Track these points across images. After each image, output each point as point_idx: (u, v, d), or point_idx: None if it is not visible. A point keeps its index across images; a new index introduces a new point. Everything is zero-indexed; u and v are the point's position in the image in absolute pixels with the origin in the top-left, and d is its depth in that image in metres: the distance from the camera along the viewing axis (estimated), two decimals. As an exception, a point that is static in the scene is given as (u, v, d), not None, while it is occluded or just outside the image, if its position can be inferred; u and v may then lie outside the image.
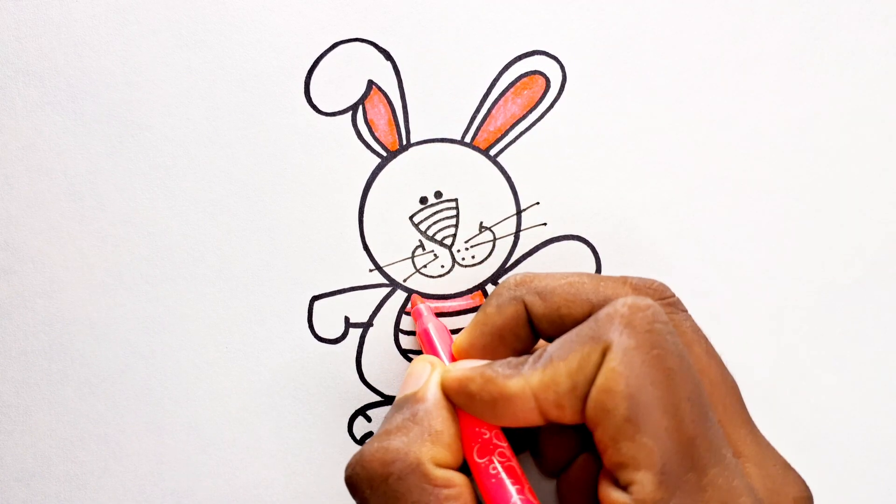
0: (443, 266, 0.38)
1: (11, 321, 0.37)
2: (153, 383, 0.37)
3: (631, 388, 0.27)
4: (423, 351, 0.35)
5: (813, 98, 0.38)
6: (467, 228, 0.38)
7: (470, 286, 0.38)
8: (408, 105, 0.37)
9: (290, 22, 0.37)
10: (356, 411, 0.38)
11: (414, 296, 0.37)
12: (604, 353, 0.27)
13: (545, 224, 0.38)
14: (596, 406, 0.27)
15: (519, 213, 0.38)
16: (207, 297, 0.37)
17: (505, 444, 0.31)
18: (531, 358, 0.29)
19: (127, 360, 0.37)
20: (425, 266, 0.38)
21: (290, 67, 0.37)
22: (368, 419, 0.38)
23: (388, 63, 0.37)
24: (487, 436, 0.30)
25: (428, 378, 0.32)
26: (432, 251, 0.38)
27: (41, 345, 0.37)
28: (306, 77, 0.37)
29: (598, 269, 0.38)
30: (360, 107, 0.37)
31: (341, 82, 0.37)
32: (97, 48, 0.37)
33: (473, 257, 0.38)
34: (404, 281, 0.38)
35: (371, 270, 0.38)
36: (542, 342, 0.34)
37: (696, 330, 0.32)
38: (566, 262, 0.38)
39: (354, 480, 0.30)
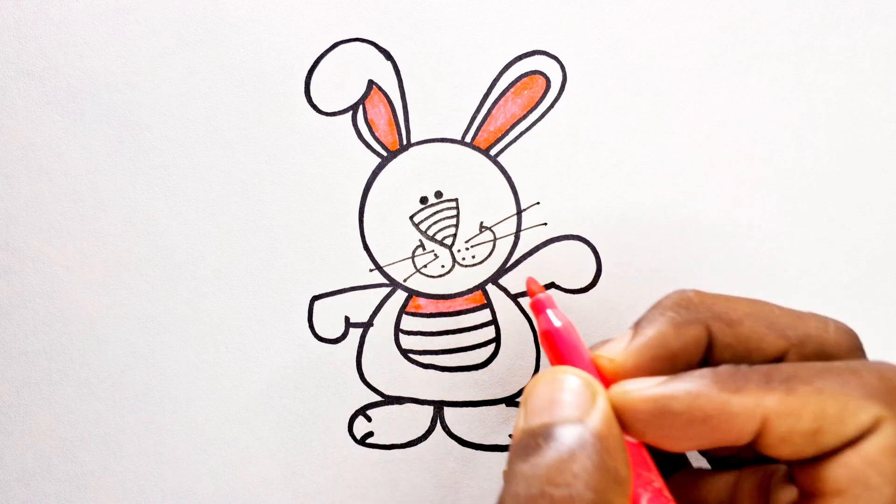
0: (443, 266, 0.38)
1: (11, 321, 0.37)
2: (153, 383, 0.37)
3: None
4: (552, 358, 0.28)
5: (813, 98, 0.38)
6: (467, 228, 0.38)
7: (470, 286, 0.38)
8: (408, 105, 0.37)
9: (290, 22, 0.37)
10: (356, 411, 0.38)
11: (530, 279, 0.31)
12: (877, 422, 0.24)
13: (545, 224, 0.38)
14: (854, 475, 0.24)
15: (519, 212, 0.38)
16: (207, 297, 0.37)
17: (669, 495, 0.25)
18: (753, 374, 0.25)
19: (127, 360, 0.37)
20: (425, 266, 0.38)
21: (290, 67, 0.37)
22: (368, 419, 0.38)
23: (389, 63, 0.37)
24: (658, 484, 0.25)
25: (596, 404, 0.25)
26: (432, 251, 0.38)
27: (41, 345, 0.37)
28: (306, 77, 0.37)
29: (599, 269, 0.38)
30: (361, 107, 0.37)
31: (341, 82, 0.37)
32: (97, 48, 0.37)
33: (474, 257, 0.38)
34: (404, 281, 0.38)
35: (371, 270, 0.38)
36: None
37: None
38: (566, 262, 0.38)
39: None
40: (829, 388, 0.24)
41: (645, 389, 0.25)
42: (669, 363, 0.27)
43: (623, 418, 0.25)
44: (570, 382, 0.25)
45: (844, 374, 0.25)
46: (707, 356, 0.27)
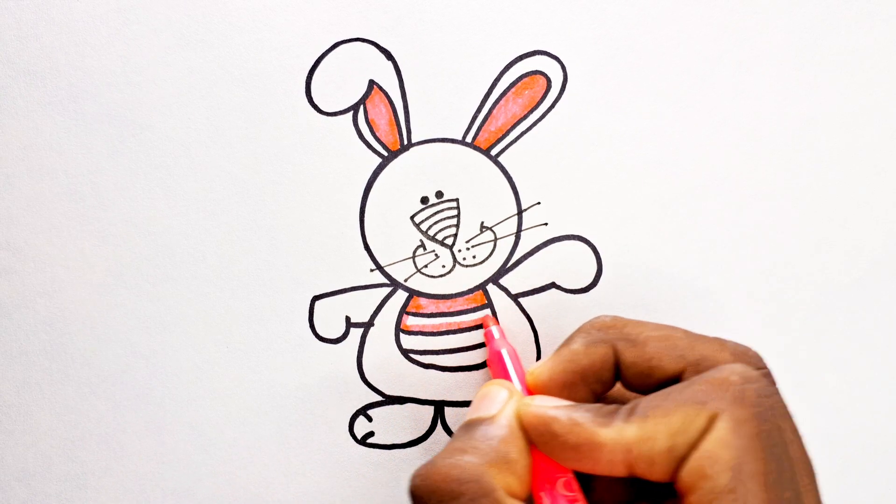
0: (444, 266, 0.38)
1: (12, 321, 0.37)
2: (154, 383, 0.37)
3: (738, 459, 0.27)
4: (493, 374, 0.35)
5: (813, 98, 0.38)
6: (468, 228, 0.38)
7: (471, 286, 0.38)
8: (409, 105, 0.37)
9: (291, 21, 0.37)
10: (357, 411, 0.38)
11: (486, 316, 0.37)
12: (710, 420, 0.27)
13: (546, 224, 0.38)
14: (695, 471, 0.27)
15: (520, 212, 0.38)
16: (208, 297, 0.37)
17: (578, 488, 0.31)
18: (623, 409, 0.29)
19: (127, 359, 0.37)
20: (426, 266, 0.38)
21: (291, 67, 0.37)
22: (369, 419, 0.38)
23: (389, 63, 0.37)
24: (565, 478, 0.30)
25: (504, 404, 0.31)
26: (433, 251, 0.38)
27: (42, 344, 0.37)
28: (307, 77, 0.37)
29: (599, 269, 0.38)
30: (362, 106, 0.37)
31: (342, 82, 0.37)
32: (98, 48, 0.37)
33: (474, 257, 0.38)
34: (405, 281, 0.38)
35: (372, 270, 0.38)
36: (618, 388, 0.34)
37: (785, 406, 0.31)
38: (567, 262, 0.38)
39: (422, 491, 0.29)
40: (673, 406, 0.28)
41: (539, 407, 0.30)
42: (580, 377, 0.32)
43: (522, 424, 0.30)
44: (496, 391, 0.32)
45: (686, 389, 0.28)
46: (617, 372, 0.32)
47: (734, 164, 0.38)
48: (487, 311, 0.38)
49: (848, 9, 0.38)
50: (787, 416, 0.31)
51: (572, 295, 0.38)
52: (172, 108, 0.37)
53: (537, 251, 0.38)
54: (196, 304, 0.37)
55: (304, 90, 0.37)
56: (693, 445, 0.27)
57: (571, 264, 0.38)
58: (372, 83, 0.37)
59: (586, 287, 0.38)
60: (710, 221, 0.38)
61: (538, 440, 0.30)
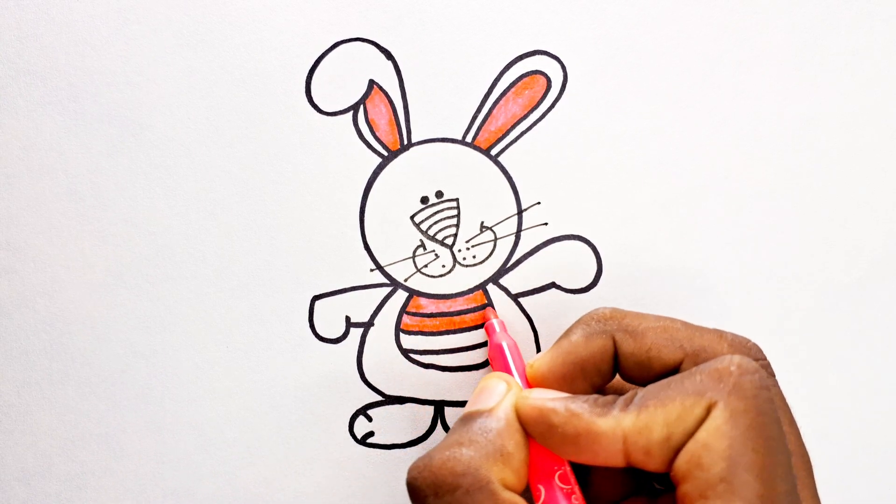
0: (444, 266, 0.38)
1: (12, 321, 0.37)
2: (154, 383, 0.37)
3: (733, 449, 0.27)
4: (493, 367, 0.35)
5: (813, 98, 0.38)
6: (468, 228, 0.38)
7: (471, 286, 0.38)
8: (409, 104, 0.37)
9: (291, 21, 0.37)
10: (357, 411, 0.38)
11: (488, 309, 0.37)
12: (708, 410, 0.27)
13: (546, 224, 0.38)
14: (691, 460, 0.27)
15: (520, 212, 0.38)
16: (208, 297, 0.37)
17: (574, 481, 0.31)
18: (620, 399, 0.29)
19: (127, 359, 0.37)
20: (426, 266, 0.38)
21: (291, 67, 0.37)
22: (369, 419, 0.38)
23: (389, 62, 0.37)
24: (562, 470, 0.31)
25: (503, 397, 0.31)
26: (433, 251, 0.38)
27: (42, 344, 0.37)
28: (307, 76, 0.37)
29: (599, 269, 0.38)
30: (361, 106, 0.37)
31: (342, 82, 0.37)
32: (98, 48, 0.37)
33: (474, 257, 0.38)
34: (405, 281, 0.38)
35: (372, 270, 0.38)
36: (617, 380, 0.34)
37: (783, 398, 0.32)
38: (567, 262, 0.38)
39: (419, 484, 0.29)
40: (671, 396, 0.28)
41: (537, 399, 0.30)
42: (580, 368, 0.32)
43: (520, 417, 0.30)
44: (494, 384, 0.32)
45: (684, 380, 0.28)
46: (616, 364, 0.32)
47: (734, 164, 0.38)
48: (489, 306, 0.38)
49: (848, 9, 0.38)
50: (784, 409, 0.31)
51: (572, 295, 0.38)
52: (172, 108, 0.37)
53: (537, 251, 0.38)
54: (196, 304, 0.37)
55: (304, 90, 0.37)
56: (689, 435, 0.27)
57: (571, 264, 0.38)
58: (372, 83, 0.37)
59: (586, 287, 0.38)
60: (710, 221, 0.38)
61: (536, 432, 0.30)
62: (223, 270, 0.37)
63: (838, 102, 0.38)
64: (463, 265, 0.38)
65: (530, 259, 0.38)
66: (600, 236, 0.38)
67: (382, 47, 0.37)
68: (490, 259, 0.38)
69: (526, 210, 0.38)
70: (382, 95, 0.37)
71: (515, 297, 0.38)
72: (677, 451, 0.28)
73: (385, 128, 0.37)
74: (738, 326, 0.38)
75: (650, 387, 0.29)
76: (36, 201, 0.37)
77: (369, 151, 0.37)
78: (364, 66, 0.37)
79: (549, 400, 0.30)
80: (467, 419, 0.31)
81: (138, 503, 0.38)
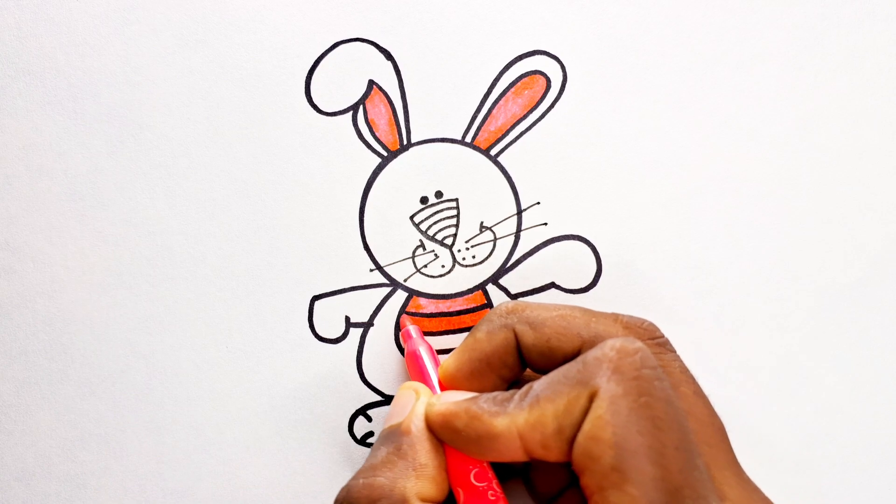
0: (443, 266, 0.38)
1: (12, 321, 0.37)
2: (153, 383, 0.37)
3: (618, 436, 0.26)
4: (410, 374, 0.35)
5: (813, 98, 0.38)
6: (468, 228, 0.38)
7: (470, 286, 0.38)
8: (408, 105, 0.37)
9: (290, 22, 0.37)
10: (356, 411, 0.38)
11: (404, 316, 0.37)
12: (591, 398, 0.27)
13: (546, 224, 0.38)
14: (582, 452, 0.27)
15: (519, 212, 0.38)
16: (208, 297, 0.37)
17: (492, 477, 0.31)
18: (517, 395, 0.29)
19: (127, 359, 0.37)
20: (426, 266, 0.38)
21: (290, 67, 0.37)
22: (369, 419, 0.38)
23: (389, 63, 0.37)
24: (476, 469, 0.31)
25: (412, 409, 0.32)
26: (433, 251, 0.38)
27: (41, 344, 0.37)
28: (307, 77, 0.37)
29: (599, 269, 0.38)
30: (361, 106, 0.37)
31: (342, 82, 0.37)
32: (98, 48, 0.37)
33: (474, 257, 0.38)
34: (405, 281, 0.38)
35: (372, 270, 0.38)
36: (529, 371, 0.34)
37: (685, 370, 0.32)
38: (566, 262, 0.38)
39: None
40: (558, 388, 0.28)
41: (442, 405, 0.31)
42: (486, 364, 0.32)
43: (428, 425, 0.31)
44: (404, 395, 0.32)
45: (569, 370, 0.28)
46: (520, 355, 0.32)
47: (734, 164, 0.38)
48: (404, 314, 0.38)
49: (848, 8, 0.38)
50: (685, 380, 0.31)
51: (572, 295, 0.38)
52: (172, 108, 0.37)
53: (537, 251, 0.38)
54: (195, 304, 0.37)
55: (303, 90, 0.37)
56: (578, 426, 0.27)
57: (571, 264, 0.38)
58: (371, 83, 0.37)
59: (586, 287, 0.38)
60: (710, 221, 0.38)
61: (444, 438, 0.31)
62: (223, 270, 0.37)
63: (838, 102, 0.38)
64: (462, 265, 0.38)
65: (530, 259, 0.38)
66: (600, 236, 0.38)
67: (382, 47, 0.37)
68: (490, 259, 0.38)
69: (525, 210, 0.38)
70: (382, 95, 0.37)
71: (515, 298, 0.38)
72: (570, 442, 0.28)
73: (385, 128, 0.37)
74: (738, 326, 0.38)
75: (542, 379, 0.29)
76: (36, 201, 0.37)
77: (369, 151, 0.37)
78: (364, 66, 0.37)
79: (453, 404, 0.30)
80: (382, 436, 0.31)
81: (138, 503, 0.38)
